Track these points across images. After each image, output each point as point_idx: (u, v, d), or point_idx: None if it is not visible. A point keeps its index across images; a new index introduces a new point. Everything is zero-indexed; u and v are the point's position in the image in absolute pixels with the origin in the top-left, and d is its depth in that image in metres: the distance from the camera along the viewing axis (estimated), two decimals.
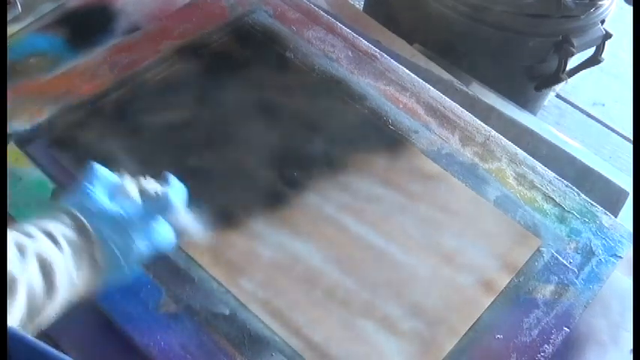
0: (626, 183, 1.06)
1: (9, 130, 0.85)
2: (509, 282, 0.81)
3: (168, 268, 0.77)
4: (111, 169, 0.69)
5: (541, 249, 0.84)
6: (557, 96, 1.94)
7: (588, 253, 0.85)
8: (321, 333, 0.74)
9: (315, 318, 0.75)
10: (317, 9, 1.08)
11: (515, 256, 0.83)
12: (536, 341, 0.77)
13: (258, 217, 0.82)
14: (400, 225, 0.84)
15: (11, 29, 0.98)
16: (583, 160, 1.08)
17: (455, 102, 0.99)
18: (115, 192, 0.67)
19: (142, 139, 0.88)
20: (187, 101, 0.93)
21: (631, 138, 1.88)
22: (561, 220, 0.87)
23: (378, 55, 1.03)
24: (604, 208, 0.90)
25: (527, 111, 1.22)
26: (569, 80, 1.42)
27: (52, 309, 0.59)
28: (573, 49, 1.30)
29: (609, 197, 1.03)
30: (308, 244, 0.81)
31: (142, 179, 0.70)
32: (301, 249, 0.80)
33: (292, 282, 0.78)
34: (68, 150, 0.85)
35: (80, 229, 0.62)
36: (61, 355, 0.29)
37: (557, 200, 0.89)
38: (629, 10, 1.32)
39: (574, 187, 0.91)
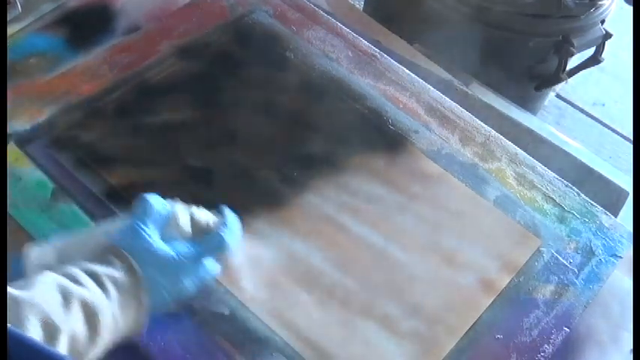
0: (626, 183, 1.06)
1: (9, 130, 0.85)
2: (509, 282, 0.81)
3: None
4: (163, 197, 0.67)
5: (541, 249, 0.84)
6: (557, 96, 1.94)
7: (588, 253, 0.85)
8: (321, 333, 0.74)
9: (315, 318, 0.75)
10: (317, 9, 1.08)
11: (515, 256, 0.83)
12: (536, 341, 0.77)
13: (258, 217, 0.82)
14: (400, 225, 0.84)
15: (11, 29, 0.98)
16: (583, 160, 1.08)
17: (455, 102, 0.99)
18: (167, 225, 0.65)
19: (142, 139, 0.88)
20: (187, 101, 0.93)
21: (631, 138, 1.88)
22: (561, 220, 0.87)
23: (378, 55, 1.03)
24: (604, 208, 0.90)
25: (527, 111, 1.22)
26: (569, 80, 1.42)
27: (94, 354, 0.58)
28: (573, 49, 1.30)
29: (609, 197, 1.03)
30: (308, 244, 0.81)
31: (194, 209, 0.69)
32: (301, 249, 0.80)
33: (292, 282, 0.78)
34: (68, 150, 0.85)
35: (129, 271, 0.61)
36: (61, 355, 0.29)
37: (557, 200, 0.89)
38: (629, 10, 1.32)
39: (574, 187, 0.91)
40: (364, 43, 1.04)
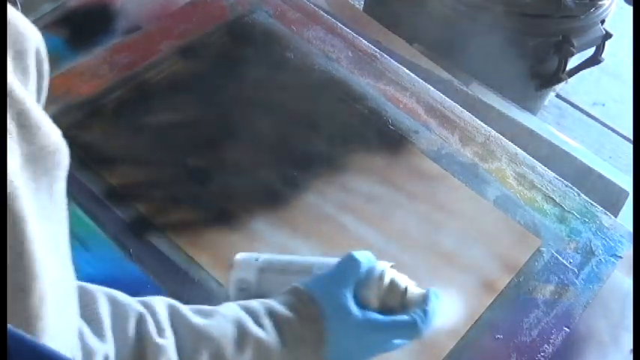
0: (626, 183, 1.06)
1: None
2: (509, 282, 0.81)
3: (169, 268, 0.77)
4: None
5: (541, 249, 0.84)
6: (557, 96, 1.94)
7: (588, 253, 0.85)
8: None
9: None
10: (317, 9, 1.08)
11: (515, 256, 0.83)
12: (536, 341, 0.77)
13: (258, 217, 0.82)
14: (400, 225, 0.84)
15: None
16: (583, 160, 1.08)
17: (455, 102, 0.99)
18: (365, 283, 0.61)
19: (143, 139, 0.88)
20: (187, 101, 0.93)
21: (631, 138, 1.88)
22: (561, 220, 0.87)
23: (378, 55, 1.03)
24: (604, 208, 0.90)
25: (527, 111, 1.22)
26: (569, 80, 1.42)
27: None
28: (573, 49, 1.30)
29: (609, 197, 1.03)
30: (308, 243, 0.81)
31: (395, 272, 0.63)
32: (301, 249, 0.80)
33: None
34: (68, 150, 0.85)
35: (314, 324, 0.58)
36: (62, 355, 0.29)
37: (557, 200, 0.89)
38: (629, 10, 1.32)
39: (574, 187, 0.91)
40: (364, 43, 1.04)
